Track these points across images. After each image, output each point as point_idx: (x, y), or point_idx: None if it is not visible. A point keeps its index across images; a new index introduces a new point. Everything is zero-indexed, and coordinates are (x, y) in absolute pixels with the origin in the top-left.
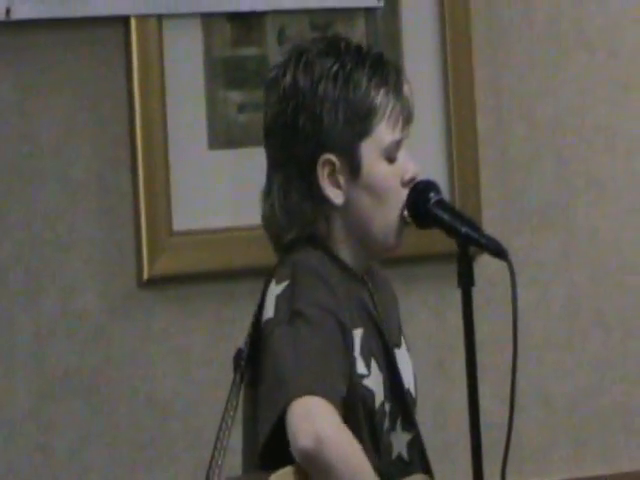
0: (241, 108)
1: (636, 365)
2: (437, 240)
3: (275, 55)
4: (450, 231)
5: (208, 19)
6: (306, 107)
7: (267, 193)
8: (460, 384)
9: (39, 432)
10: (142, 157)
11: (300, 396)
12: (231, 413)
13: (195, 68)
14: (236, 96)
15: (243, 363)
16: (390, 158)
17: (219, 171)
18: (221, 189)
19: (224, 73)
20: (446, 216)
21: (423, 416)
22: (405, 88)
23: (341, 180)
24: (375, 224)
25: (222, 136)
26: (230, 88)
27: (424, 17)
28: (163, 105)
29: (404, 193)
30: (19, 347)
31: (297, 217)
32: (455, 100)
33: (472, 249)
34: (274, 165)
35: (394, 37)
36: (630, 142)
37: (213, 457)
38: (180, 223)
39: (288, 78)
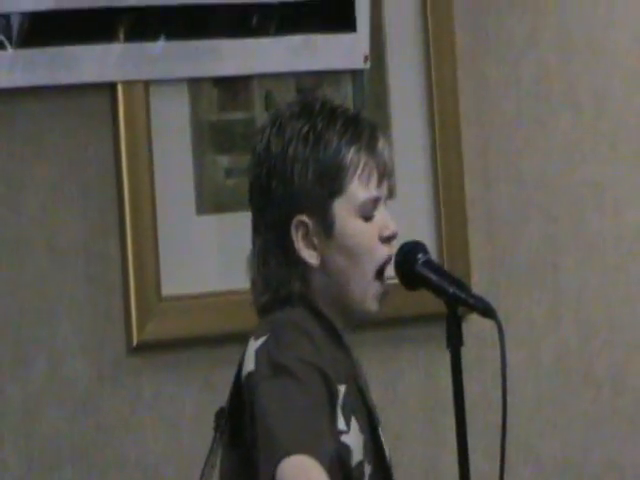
0: (229, 172)
1: (627, 422)
2: (426, 301)
3: (262, 119)
4: (438, 292)
5: (195, 84)
6: (277, 170)
7: (252, 258)
8: (451, 443)
9: None
10: (130, 223)
11: (289, 455)
12: (211, 471)
13: (182, 133)
14: (224, 160)
15: (224, 422)
16: (366, 216)
17: (207, 236)
18: (210, 254)
19: (211, 138)
20: (434, 276)
21: (414, 476)
22: (379, 145)
23: (315, 240)
24: (352, 283)
25: (210, 201)
26: (217, 153)
27: (411, 78)
28: (151, 171)
29: (382, 250)
30: (8, 414)
31: (274, 280)
32: (442, 160)
33: (461, 309)
34: (254, 230)
35: (381, 98)
36: (618, 199)
37: None
38: (169, 288)
39: (263, 143)
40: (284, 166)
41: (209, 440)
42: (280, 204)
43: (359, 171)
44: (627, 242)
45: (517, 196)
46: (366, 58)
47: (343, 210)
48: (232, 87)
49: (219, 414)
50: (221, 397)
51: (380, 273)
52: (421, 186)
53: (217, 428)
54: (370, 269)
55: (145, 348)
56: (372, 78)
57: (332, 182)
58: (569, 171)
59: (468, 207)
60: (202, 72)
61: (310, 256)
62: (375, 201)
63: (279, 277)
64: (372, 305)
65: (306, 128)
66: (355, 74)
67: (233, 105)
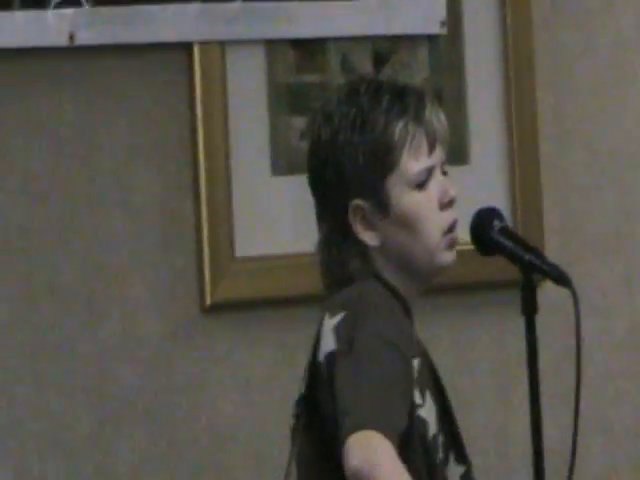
0: (304, 134)
1: None
2: (500, 267)
3: (338, 82)
4: (513, 259)
5: (271, 45)
6: (329, 159)
7: (318, 243)
8: (521, 411)
9: (99, 456)
10: (205, 183)
11: (357, 430)
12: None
13: (258, 94)
14: (299, 122)
15: (303, 409)
16: (420, 186)
17: (281, 197)
18: (283, 215)
19: (287, 99)
20: (509, 243)
21: (485, 443)
22: (426, 113)
23: (374, 221)
24: (416, 254)
25: (285, 162)
26: (293, 114)
27: (487, 44)
28: (226, 131)
29: (444, 216)
30: (81, 372)
31: (336, 265)
32: (518, 127)
33: (535, 276)
34: (318, 217)
35: (457, 65)
36: None
37: None
38: (242, 249)
39: (314, 135)
40: (335, 154)
41: (280, 400)
42: (336, 192)
43: (407, 145)
44: None
45: (591, 164)
46: (443, 23)
47: (396, 186)
48: (309, 49)
49: (299, 402)
50: (293, 358)
51: (445, 234)
52: (495, 152)
53: (297, 416)
54: (435, 235)
55: (218, 308)
56: (448, 44)
57: (382, 162)
58: None
59: (542, 174)
60: (278, 34)
61: (371, 238)
62: (428, 170)
63: (341, 262)
64: (444, 257)
65: (352, 112)
66: (431, 40)
67: (309, 68)
